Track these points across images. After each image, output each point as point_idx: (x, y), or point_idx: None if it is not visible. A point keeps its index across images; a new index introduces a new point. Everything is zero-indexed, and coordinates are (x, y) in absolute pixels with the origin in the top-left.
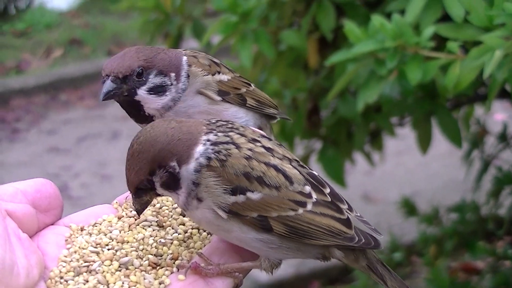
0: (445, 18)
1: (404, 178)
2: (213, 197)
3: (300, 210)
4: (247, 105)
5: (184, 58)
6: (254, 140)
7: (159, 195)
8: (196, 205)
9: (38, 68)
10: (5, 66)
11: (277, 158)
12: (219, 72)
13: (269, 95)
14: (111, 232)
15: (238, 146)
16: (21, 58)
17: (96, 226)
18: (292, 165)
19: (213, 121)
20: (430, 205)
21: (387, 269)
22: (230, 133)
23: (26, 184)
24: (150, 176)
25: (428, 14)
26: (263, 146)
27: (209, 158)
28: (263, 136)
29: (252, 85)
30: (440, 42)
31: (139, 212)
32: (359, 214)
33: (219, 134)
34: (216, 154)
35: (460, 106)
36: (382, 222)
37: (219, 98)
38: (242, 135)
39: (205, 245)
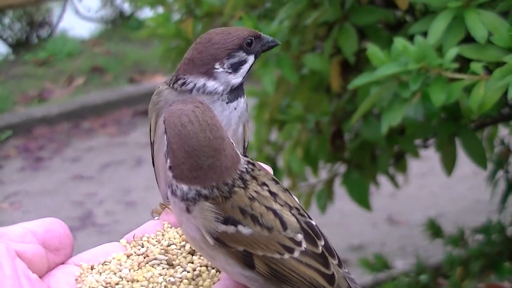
0: (468, 39)
1: (429, 200)
2: (205, 220)
3: (286, 255)
4: None
5: None
6: (263, 184)
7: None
8: (186, 209)
9: (61, 96)
10: (28, 95)
11: (279, 203)
12: None
13: (292, 119)
14: (120, 271)
15: (246, 187)
16: (43, 87)
17: (106, 264)
18: (291, 213)
19: (247, 159)
20: (455, 227)
21: None
22: (247, 176)
23: (36, 224)
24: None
25: (451, 36)
26: (269, 191)
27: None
28: (273, 179)
29: None
30: (463, 64)
31: None
32: (347, 271)
33: (244, 175)
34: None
35: (484, 127)
36: (407, 245)
37: None
38: (254, 177)
39: (214, 283)
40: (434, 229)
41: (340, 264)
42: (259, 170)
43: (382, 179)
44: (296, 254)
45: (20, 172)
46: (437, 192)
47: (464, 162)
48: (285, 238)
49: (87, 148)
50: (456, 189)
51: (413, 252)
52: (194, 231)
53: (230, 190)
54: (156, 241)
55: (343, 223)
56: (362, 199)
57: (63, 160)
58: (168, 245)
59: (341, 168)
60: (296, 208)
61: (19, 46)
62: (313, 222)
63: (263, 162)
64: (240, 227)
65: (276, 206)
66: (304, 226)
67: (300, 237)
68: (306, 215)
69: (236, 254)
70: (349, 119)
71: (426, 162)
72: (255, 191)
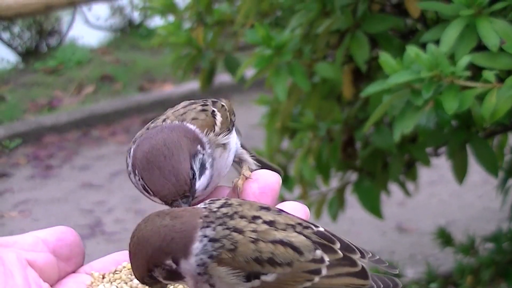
0: (480, 47)
1: (438, 208)
2: (227, 286)
3: (316, 279)
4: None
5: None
6: (254, 218)
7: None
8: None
9: (70, 104)
10: (37, 103)
11: (281, 230)
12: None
13: (303, 127)
14: (131, 280)
15: (241, 231)
16: (53, 95)
17: (116, 273)
18: (297, 232)
19: (213, 209)
20: (465, 235)
21: None
22: (231, 222)
23: (47, 233)
24: (150, 273)
25: (463, 44)
26: (264, 222)
27: (211, 255)
28: (262, 208)
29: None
30: (475, 72)
31: None
32: (371, 255)
33: (218, 228)
34: (219, 249)
35: (494, 135)
36: (417, 253)
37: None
38: (242, 216)
39: None
40: (445, 237)
41: (363, 255)
42: (239, 205)
43: (392, 187)
44: (324, 271)
45: (29, 180)
46: (446, 200)
47: (473, 170)
48: (307, 263)
49: (97, 156)
50: (465, 198)
51: (423, 261)
52: None
53: (231, 242)
54: None
55: (353, 231)
56: (374, 207)
57: (73, 168)
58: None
59: (353, 176)
60: (299, 224)
61: (28, 54)
62: (321, 229)
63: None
64: (263, 277)
65: (280, 235)
66: (316, 239)
67: (319, 253)
68: (311, 226)
69: None
70: (360, 127)
71: (435, 171)
72: (253, 231)
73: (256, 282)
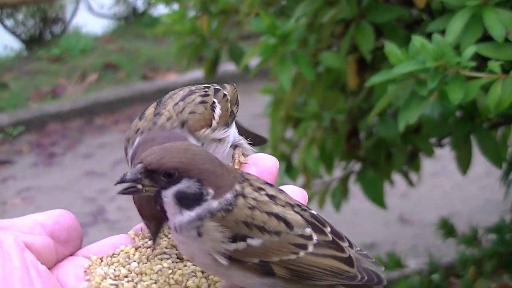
0: (486, 38)
1: (441, 200)
2: (213, 241)
3: (301, 253)
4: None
5: None
6: (259, 189)
7: (155, 198)
8: (194, 236)
9: (74, 93)
10: (41, 91)
11: (280, 205)
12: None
13: (307, 117)
14: (129, 264)
15: (244, 196)
16: (56, 83)
17: (114, 257)
18: (294, 211)
19: (239, 171)
20: (467, 227)
21: None
22: (244, 183)
23: (45, 216)
24: (185, 175)
25: (469, 34)
26: (267, 194)
27: (224, 206)
28: (266, 183)
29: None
30: (481, 62)
31: (121, 181)
32: (359, 249)
33: (246, 189)
34: (229, 204)
35: (498, 127)
36: (419, 244)
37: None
38: (250, 184)
39: None
40: (447, 228)
41: (351, 245)
42: (249, 175)
43: (394, 178)
44: (310, 248)
45: (32, 167)
46: (449, 192)
47: (476, 162)
48: (295, 237)
49: (100, 144)
50: (468, 189)
51: (425, 252)
52: (206, 258)
53: (231, 202)
54: (164, 235)
55: (355, 222)
56: (377, 197)
57: (76, 156)
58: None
59: (356, 166)
60: (298, 205)
61: (32, 42)
62: (314, 212)
63: (278, 160)
64: (249, 241)
65: (278, 209)
66: (309, 219)
67: (308, 231)
68: (308, 209)
69: (253, 267)
70: (364, 118)
71: (438, 162)
72: (253, 199)
73: (241, 244)
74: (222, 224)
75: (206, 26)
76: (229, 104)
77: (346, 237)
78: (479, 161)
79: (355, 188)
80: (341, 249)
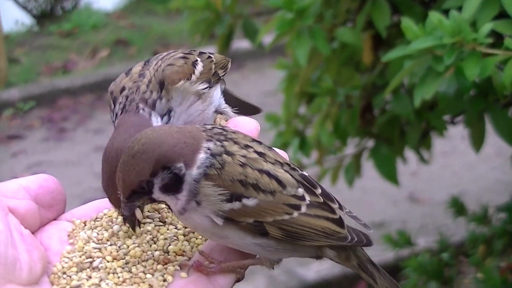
0: (502, 15)
1: (451, 179)
2: (211, 205)
3: (295, 214)
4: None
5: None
6: (246, 146)
7: (153, 200)
8: (195, 207)
9: (84, 68)
10: (52, 66)
11: (270, 163)
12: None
13: (322, 93)
14: (112, 228)
15: (231, 154)
16: (67, 59)
17: (97, 220)
18: (284, 169)
19: (209, 128)
20: (477, 206)
21: (377, 268)
22: (225, 142)
23: (29, 180)
24: (152, 177)
25: (485, 11)
26: (256, 152)
27: (208, 167)
28: (254, 140)
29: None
30: (497, 39)
31: (127, 218)
32: (348, 210)
33: (217, 143)
34: (212, 164)
35: (511, 105)
36: (429, 223)
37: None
38: (235, 142)
39: (206, 240)
40: (458, 207)
41: (341, 207)
42: (233, 133)
43: (405, 156)
44: (304, 209)
45: (43, 142)
46: (459, 171)
47: (487, 142)
48: (289, 197)
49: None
50: (478, 169)
51: (434, 231)
52: (204, 221)
53: (220, 161)
54: None
55: (365, 200)
56: (390, 173)
57: (86, 131)
58: (158, 203)
59: (369, 142)
60: (287, 164)
61: (43, 17)
62: (306, 173)
63: (291, 136)
64: (244, 200)
65: (268, 166)
66: (300, 179)
67: (301, 191)
68: (297, 169)
69: (247, 227)
70: (379, 94)
71: (449, 142)
72: (243, 156)
73: (236, 204)
74: (219, 184)
75: (220, 1)
76: (213, 65)
77: (335, 198)
78: (490, 141)
79: (365, 166)
80: (332, 211)
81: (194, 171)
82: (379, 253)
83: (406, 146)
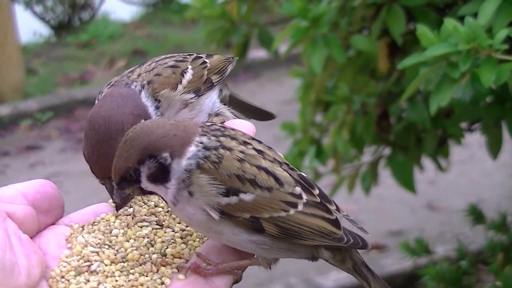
0: None
1: (468, 187)
2: (206, 197)
3: (291, 211)
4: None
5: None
6: (245, 143)
7: (143, 190)
8: (187, 197)
9: (102, 78)
10: (70, 77)
11: (268, 160)
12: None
13: (338, 101)
14: (110, 232)
15: (229, 149)
16: (85, 69)
17: (95, 225)
18: (282, 168)
19: (208, 124)
20: (495, 214)
21: (371, 272)
22: (221, 138)
23: (26, 186)
24: (139, 165)
25: (501, 17)
26: (254, 149)
27: (200, 160)
28: (253, 139)
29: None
30: None
31: (119, 207)
32: (346, 213)
33: (212, 138)
34: (206, 157)
35: None
36: (447, 231)
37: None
38: (233, 138)
39: (203, 242)
40: (476, 215)
41: (338, 209)
42: (232, 130)
43: (423, 164)
44: (300, 207)
45: (61, 153)
46: (476, 179)
47: (504, 150)
48: (286, 195)
49: None
50: (495, 177)
51: (452, 239)
52: (199, 214)
53: (217, 155)
54: (143, 202)
55: (382, 208)
56: (407, 182)
57: None
58: (155, 206)
59: (385, 150)
60: (286, 164)
61: (61, 28)
62: (304, 174)
63: (308, 144)
64: (242, 195)
65: (266, 164)
66: (298, 178)
67: (298, 190)
68: (296, 169)
69: (243, 223)
70: (395, 101)
71: (466, 149)
72: (241, 151)
73: (234, 199)
74: (215, 177)
75: (236, 10)
76: (205, 71)
77: (333, 201)
78: (507, 148)
79: (382, 174)
80: (329, 211)
81: (184, 162)
82: (397, 262)
83: (423, 154)
